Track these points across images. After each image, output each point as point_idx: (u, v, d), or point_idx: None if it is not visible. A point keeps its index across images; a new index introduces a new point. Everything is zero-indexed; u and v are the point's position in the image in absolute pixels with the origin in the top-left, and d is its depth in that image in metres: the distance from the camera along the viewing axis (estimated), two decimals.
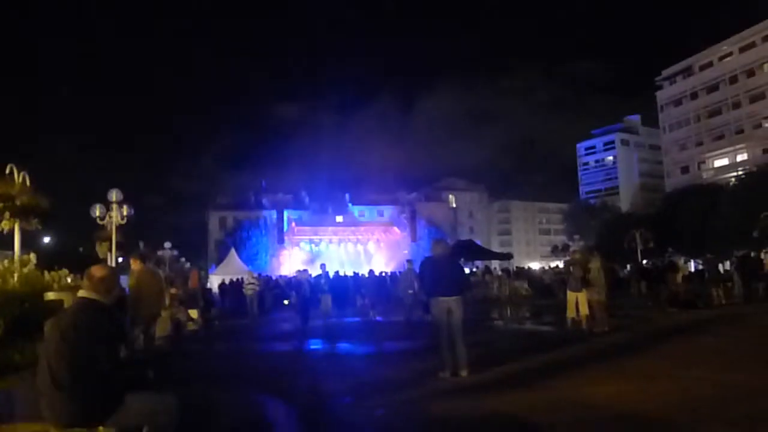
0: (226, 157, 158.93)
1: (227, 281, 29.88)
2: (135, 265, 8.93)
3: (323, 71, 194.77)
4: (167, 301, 16.05)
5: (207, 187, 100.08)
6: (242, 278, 26.80)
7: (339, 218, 58.37)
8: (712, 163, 71.50)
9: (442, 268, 8.13)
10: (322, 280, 17.32)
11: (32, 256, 8.31)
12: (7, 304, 6.86)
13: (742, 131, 68.51)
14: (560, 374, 7.52)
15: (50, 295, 7.10)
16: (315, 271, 19.50)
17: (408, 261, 19.06)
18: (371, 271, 25.45)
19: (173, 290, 15.98)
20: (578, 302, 13.15)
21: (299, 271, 18.37)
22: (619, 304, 16.78)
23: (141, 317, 8.49)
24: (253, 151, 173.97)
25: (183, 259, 44.89)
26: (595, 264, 13.07)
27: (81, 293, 3.56)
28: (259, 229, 62.28)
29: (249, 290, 21.87)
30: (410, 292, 16.95)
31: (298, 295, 16.51)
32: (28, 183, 9.82)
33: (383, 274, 30.87)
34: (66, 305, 6.45)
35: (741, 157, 67.23)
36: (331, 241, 48.99)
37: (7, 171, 9.76)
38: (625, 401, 5.94)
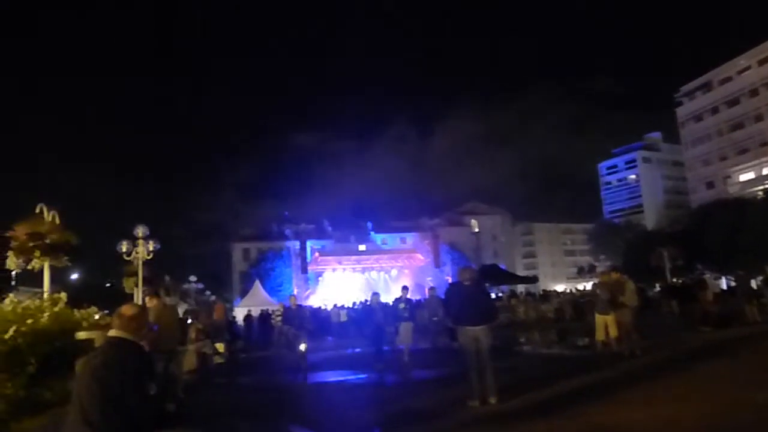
0: (248, 189, 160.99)
1: (255, 313, 29.95)
2: (151, 302, 9.11)
3: (341, 99, 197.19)
4: (192, 335, 16.16)
5: (230, 219, 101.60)
6: (269, 310, 26.94)
7: (362, 247, 58.34)
8: (738, 178, 70.38)
9: (469, 295, 8.05)
10: (402, 305, 14.61)
11: (63, 295, 8.41)
12: (39, 343, 6.93)
13: (766, 144, 67.52)
14: (592, 400, 7.37)
15: (81, 334, 7.16)
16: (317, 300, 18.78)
17: (431, 288, 18.94)
18: (396, 299, 25.36)
19: (199, 325, 16.04)
20: (608, 325, 12.89)
21: (373, 293, 15.72)
22: (650, 325, 16.44)
23: (160, 353, 8.55)
24: (275, 182, 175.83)
25: (208, 292, 45.24)
26: (629, 285, 12.87)
27: (112, 332, 3.60)
28: (283, 260, 62.59)
29: (278, 322, 21.96)
30: (435, 319, 16.82)
31: (370, 323, 14.50)
32: (57, 221, 10.00)
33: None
34: (97, 344, 6.51)
35: (767, 170, 66.14)
36: (354, 270, 48.92)
37: (37, 210, 9.96)
38: (660, 426, 5.79)
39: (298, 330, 13.23)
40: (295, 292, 53.66)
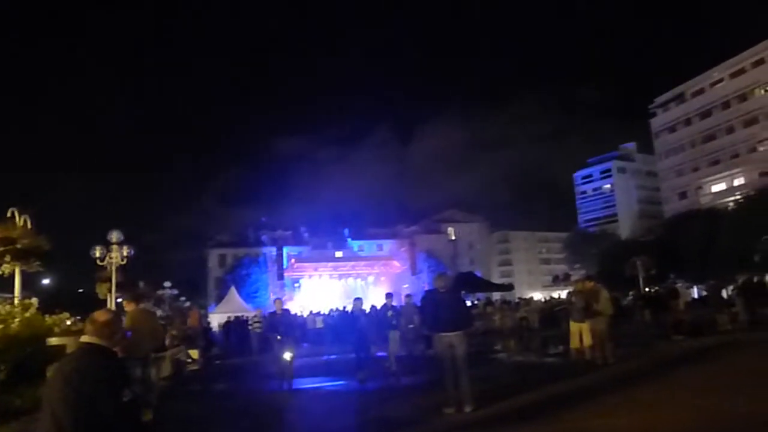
0: (225, 195, 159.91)
1: (232, 319, 29.68)
2: (128, 306, 9.00)
3: (321, 106, 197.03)
4: (167, 341, 15.96)
5: (205, 224, 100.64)
6: (247, 316, 26.73)
7: (339, 253, 58.19)
8: (710, 188, 71.79)
9: (444, 302, 8.09)
10: (389, 312, 14.22)
11: (34, 301, 8.28)
12: (9, 349, 6.82)
13: (737, 155, 68.94)
14: (568, 407, 7.43)
15: (53, 340, 7.06)
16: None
17: (407, 296, 18.93)
18: (373, 306, 25.32)
19: (173, 331, 15.86)
20: (582, 333, 13.00)
21: (356, 299, 14.61)
22: (623, 333, 16.64)
23: (137, 359, 8.43)
24: (252, 187, 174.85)
25: (183, 298, 44.75)
26: (603, 294, 13.00)
27: (84, 338, 3.55)
28: (259, 266, 62.23)
29: (257, 328, 21.79)
30: (411, 326, 16.80)
31: (354, 330, 13.65)
32: (29, 226, 9.85)
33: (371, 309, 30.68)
34: (68, 350, 6.42)
35: (738, 181, 67.51)
36: (331, 277, 48.75)
37: (9, 214, 9.81)
38: None
39: (284, 336, 12.33)
40: (272, 298, 53.39)
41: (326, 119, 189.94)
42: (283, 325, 12.54)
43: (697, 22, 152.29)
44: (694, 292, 44.06)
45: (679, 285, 36.03)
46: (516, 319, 26.37)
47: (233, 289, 46.40)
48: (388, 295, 15.14)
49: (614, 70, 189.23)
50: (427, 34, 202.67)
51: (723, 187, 69.65)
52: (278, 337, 12.09)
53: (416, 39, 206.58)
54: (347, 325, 14.84)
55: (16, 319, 7.44)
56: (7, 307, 7.95)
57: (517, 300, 36.61)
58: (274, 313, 13.12)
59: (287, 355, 11.79)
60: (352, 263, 52.13)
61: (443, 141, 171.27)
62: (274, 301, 13.93)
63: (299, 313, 33.08)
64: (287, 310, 13.79)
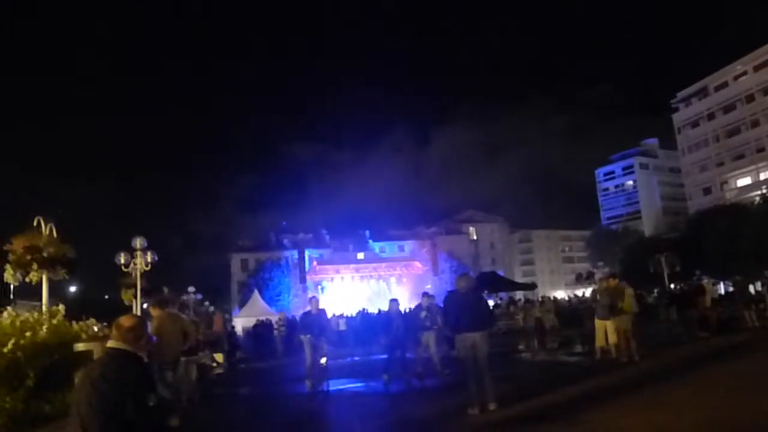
0: (246, 199, 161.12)
1: (257, 322, 29.84)
2: (154, 311, 9.07)
3: (339, 109, 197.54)
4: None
5: (227, 229, 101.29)
6: (271, 320, 26.94)
7: (360, 255, 58.34)
8: (735, 183, 70.58)
9: (466, 303, 8.07)
10: (423, 313, 13.24)
11: (61, 308, 8.42)
12: (38, 356, 6.94)
13: (763, 149, 67.68)
14: (592, 406, 7.36)
15: (80, 346, 7.16)
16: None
17: (430, 296, 18.86)
18: (417, 306, 25.23)
19: (199, 336, 16.01)
20: (607, 331, 12.88)
21: (392, 300, 14.02)
22: (648, 331, 16.45)
23: (167, 362, 8.52)
24: (273, 192, 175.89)
25: (207, 303, 45.12)
26: (627, 291, 12.89)
27: (110, 343, 3.60)
28: (281, 270, 62.48)
29: (282, 332, 22.32)
30: (435, 327, 16.75)
31: (387, 332, 13.28)
32: (54, 234, 10.02)
33: (407, 310, 30.63)
34: (95, 356, 6.51)
35: (764, 175, 66.29)
36: (353, 279, 48.89)
37: (35, 223, 9.98)
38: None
39: (317, 338, 11.52)
40: (309, 295, 53.64)
41: (345, 121, 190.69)
42: (317, 326, 11.77)
43: (719, 14, 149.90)
44: (721, 289, 43.35)
45: (704, 281, 35.47)
46: (533, 319, 26.18)
47: (256, 293, 46.68)
48: (424, 295, 14.36)
49: (635, 65, 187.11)
50: (444, 33, 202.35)
51: (748, 181, 68.44)
52: (308, 337, 11.43)
53: (434, 39, 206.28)
54: (384, 326, 14.58)
55: (44, 327, 7.57)
56: (35, 314, 8.09)
57: (540, 299, 36.39)
58: (308, 313, 12.19)
59: (323, 360, 11.32)
60: (374, 265, 52.24)
61: (462, 141, 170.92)
62: (310, 299, 12.86)
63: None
64: (323, 310, 12.73)
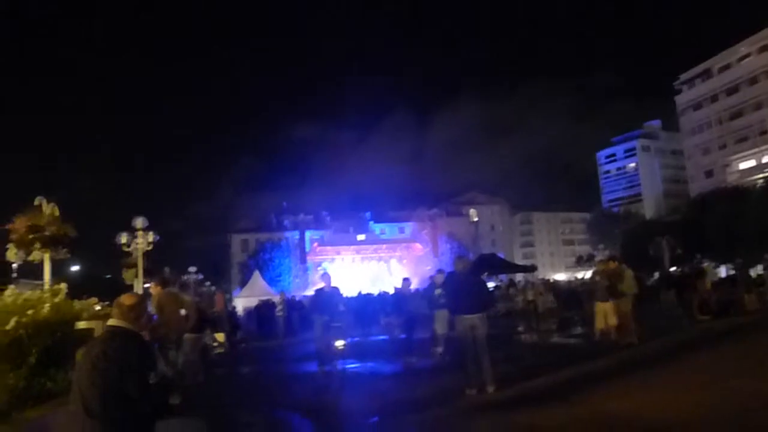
0: (247, 180, 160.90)
1: (260, 303, 29.96)
2: (155, 290, 9.09)
3: (340, 89, 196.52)
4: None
5: (228, 210, 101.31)
6: (273, 300, 27.06)
7: (361, 237, 58.34)
8: (737, 166, 70.27)
9: (465, 284, 8.11)
10: (438, 291, 12.35)
11: (63, 286, 8.45)
12: (40, 334, 6.98)
13: (766, 132, 67.30)
14: (590, 388, 7.41)
15: (81, 324, 7.20)
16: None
17: (431, 277, 18.94)
18: (396, 289, 25.33)
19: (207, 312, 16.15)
20: (607, 313, 12.91)
21: (405, 279, 14.07)
22: (648, 314, 16.49)
23: (170, 340, 8.57)
24: (273, 172, 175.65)
25: (207, 283, 45.30)
26: (627, 273, 12.93)
27: (111, 322, 3.63)
28: (282, 251, 62.56)
29: (280, 312, 22.55)
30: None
31: (402, 312, 13.18)
32: (56, 214, 10.03)
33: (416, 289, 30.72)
34: (96, 334, 6.55)
35: (766, 158, 66.04)
36: (353, 260, 48.98)
37: (36, 203, 9.98)
38: (658, 414, 5.83)
39: (332, 318, 10.78)
40: (319, 272, 53.74)
41: (346, 101, 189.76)
42: (330, 304, 11.03)
43: None
44: (722, 272, 43.47)
45: (705, 265, 35.57)
46: (526, 301, 26.23)
47: (257, 273, 46.79)
48: (439, 271, 13.91)
49: (638, 46, 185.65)
50: (445, 14, 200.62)
51: (751, 164, 68.13)
52: (322, 317, 10.75)
53: (435, 19, 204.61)
54: (394, 304, 14.36)
55: (46, 305, 7.61)
56: (37, 293, 8.13)
57: (539, 281, 36.46)
58: (321, 291, 11.26)
59: (339, 343, 10.83)
60: (374, 246, 52.31)
61: (464, 122, 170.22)
62: (322, 276, 12.30)
63: None
64: (336, 288, 11.72)
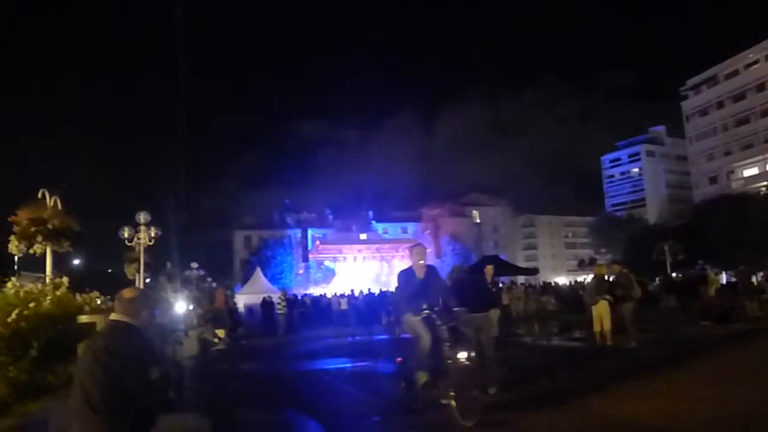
0: (250, 177, 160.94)
1: (267, 299, 30.06)
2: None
3: (345, 88, 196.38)
4: (194, 321, 16.18)
5: (231, 206, 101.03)
6: (273, 297, 27.14)
7: (363, 236, 58.42)
8: (742, 173, 70.15)
9: (469, 285, 8.10)
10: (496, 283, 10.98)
11: (65, 279, 8.45)
12: (41, 327, 6.98)
13: None
14: (591, 392, 7.39)
15: (83, 318, 7.20)
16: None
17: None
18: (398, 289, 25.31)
19: (200, 310, 16.15)
20: (602, 316, 12.85)
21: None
22: (649, 319, 16.47)
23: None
24: (277, 170, 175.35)
25: (209, 279, 45.30)
26: (629, 277, 12.96)
27: (113, 316, 3.63)
28: (284, 248, 62.72)
29: (280, 309, 22.65)
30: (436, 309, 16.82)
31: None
32: (59, 206, 10.03)
33: None
34: (98, 328, 6.55)
35: None
36: (355, 259, 49.00)
37: (39, 195, 9.99)
38: (659, 421, 5.81)
39: (439, 315, 6.82)
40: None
41: (350, 101, 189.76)
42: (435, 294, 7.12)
43: (731, 1, 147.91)
44: (723, 279, 43.39)
45: (708, 271, 35.50)
46: (541, 303, 26.21)
47: (258, 271, 46.90)
48: (491, 259, 11.95)
49: (645, 51, 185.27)
50: (451, 13, 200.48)
51: (755, 171, 68.03)
52: (423, 314, 6.70)
53: (440, 19, 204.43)
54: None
55: (48, 298, 7.61)
56: (39, 286, 8.13)
57: (541, 284, 36.44)
58: (410, 272, 7.09)
59: (463, 356, 6.47)
60: (377, 246, 52.33)
61: (467, 123, 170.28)
62: (412, 248, 7.44)
63: (328, 295, 33.39)
64: (433, 268, 7.42)
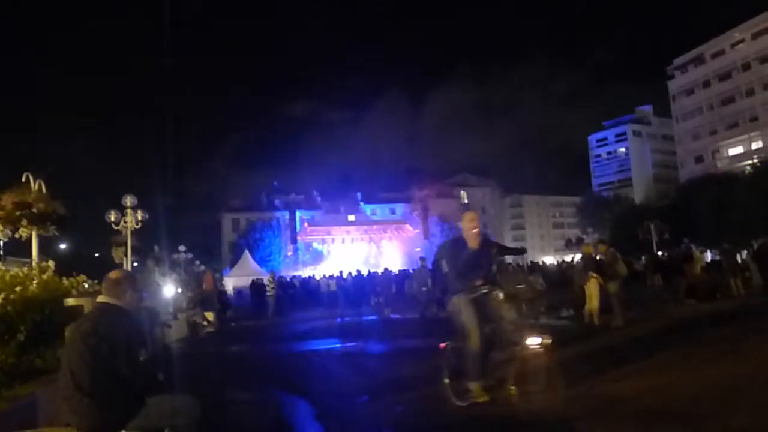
0: (238, 158, 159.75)
1: (246, 282, 30.09)
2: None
3: (333, 69, 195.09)
4: (183, 304, 16.20)
5: (219, 188, 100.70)
6: (263, 280, 27.18)
7: (351, 217, 58.45)
8: (727, 152, 70.70)
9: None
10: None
11: (51, 263, 8.37)
12: (28, 311, 6.92)
13: (756, 119, 67.60)
14: (579, 371, 7.45)
15: (70, 301, 7.16)
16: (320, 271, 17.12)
17: (421, 258, 19.07)
18: (386, 269, 25.43)
19: (189, 294, 16.17)
20: (590, 296, 12.97)
21: (421, 258, 12.43)
22: (635, 297, 16.64)
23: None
24: (264, 152, 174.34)
25: (197, 262, 45.21)
26: (615, 255, 13.07)
27: (100, 298, 3.62)
28: (272, 230, 62.50)
29: (270, 291, 22.77)
30: (424, 289, 16.98)
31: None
32: (44, 190, 9.91)
33: (398, 272, 30.85)
34: (86, 310, 6.52)
35: (756, 144, 66.42)
36: (344, 241, 49.08)
37: (23, 179, 9.86)
38: (648, 396, 5.88)
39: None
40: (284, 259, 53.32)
41: (338, 82, 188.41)
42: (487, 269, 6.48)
43: None
44: (707, 257, 43.92)
45: (693, 249, 35.90)
46: (528, 282, 26.32)
47: (247, 253, 46.79)
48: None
49: (632, 30, 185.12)
50: None
51: (740, 150, 68.58)
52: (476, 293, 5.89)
53: (427, 1, 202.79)
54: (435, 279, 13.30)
55: (34, 281, 7.54)
56: (25, 269, 8.05)
57: (529, 263, 36.65)
58: (459, 242, 6.26)
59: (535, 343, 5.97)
60: (365, 227, 52.45)
61: (455, 103, 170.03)
62: (465, 212, 6.05)
63: (316, 277, 33.36)
64: (488, 240, 6.79)
